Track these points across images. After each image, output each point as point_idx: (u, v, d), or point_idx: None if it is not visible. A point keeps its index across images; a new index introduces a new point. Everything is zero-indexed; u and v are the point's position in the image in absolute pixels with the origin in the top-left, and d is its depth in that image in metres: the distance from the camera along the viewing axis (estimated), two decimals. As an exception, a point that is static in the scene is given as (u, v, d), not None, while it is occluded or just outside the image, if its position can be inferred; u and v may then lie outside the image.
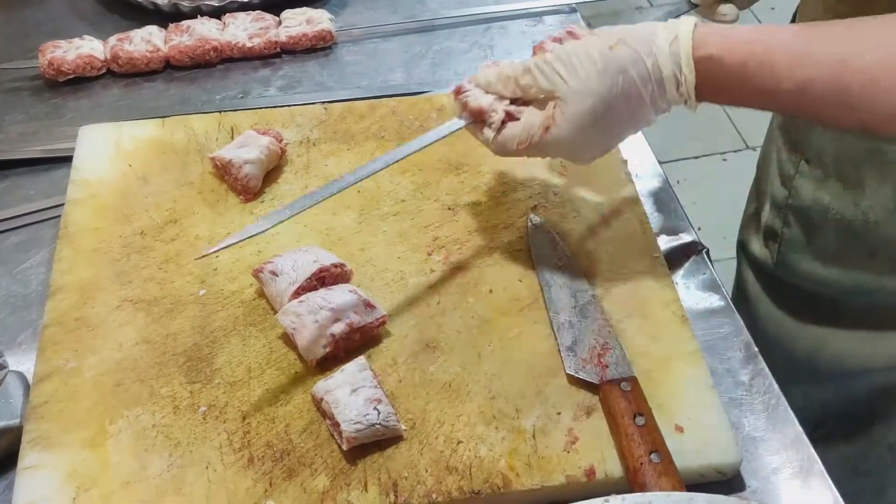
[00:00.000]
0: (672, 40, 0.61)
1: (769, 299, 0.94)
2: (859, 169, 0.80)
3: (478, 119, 0.70)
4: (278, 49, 1.03)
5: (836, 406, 0.92)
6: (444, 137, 0.72)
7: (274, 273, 0.71)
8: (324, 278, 0.72)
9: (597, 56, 0.62)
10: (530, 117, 0.66)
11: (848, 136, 0.79)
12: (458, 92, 0.71)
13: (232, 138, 0.86)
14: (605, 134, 0.66)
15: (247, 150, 0.81)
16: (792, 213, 0.87)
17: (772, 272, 0.92)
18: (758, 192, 0.96)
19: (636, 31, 0.63)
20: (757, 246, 0.94)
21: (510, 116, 0.68)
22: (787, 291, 0.92)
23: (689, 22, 0.62)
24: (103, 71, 1.00)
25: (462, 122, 0.71)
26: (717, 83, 0.62)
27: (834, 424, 0.92)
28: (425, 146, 0.71)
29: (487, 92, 0.69)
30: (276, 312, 0.71)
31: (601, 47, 0.63)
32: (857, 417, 0.94)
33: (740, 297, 0.99)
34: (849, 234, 0.83)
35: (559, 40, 0.69)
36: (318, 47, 1.04)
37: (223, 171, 0.82)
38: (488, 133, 0.68)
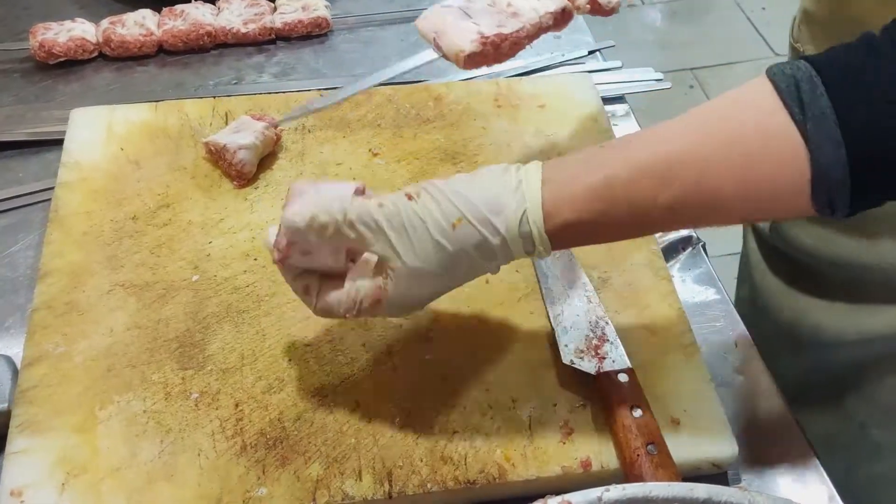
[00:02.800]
0: (521, 216, 0.55)
1: (766, 267, 0.94)
2: None
3: None
4: (273, 35, 1.02)
5: (813, 379, 0.93)
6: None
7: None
8: None
9: (436, 234, 0.56)
10: (357, 284, 0.58)
11: None
12: None
13: (226, 124, 0.85)
14: (439, 294, 0.60)
15: (241, 135, 0.80)
16: None
17: (768, 239, 0.93)
18: None
19: (478, 205, 0.55)
20: None
21: (333, 279, 0.60)
22: (780, 259, 0.92)
23: (535, 184, 0.55)
24: (95, 54, 0.98)
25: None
26: (576, 240, 0.59)
27: (809, 399, 0.92)
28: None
29: (289, 244, 0.58)
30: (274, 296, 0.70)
31: (441, 223, 0.56)
32: (830, 391, 0.94)
33: (744, 267, 0.99)
34: None
35: None
36: (313, 34, 1.03)
37: (217, 156, 0.81)
38: (310, 299, 0.60)
